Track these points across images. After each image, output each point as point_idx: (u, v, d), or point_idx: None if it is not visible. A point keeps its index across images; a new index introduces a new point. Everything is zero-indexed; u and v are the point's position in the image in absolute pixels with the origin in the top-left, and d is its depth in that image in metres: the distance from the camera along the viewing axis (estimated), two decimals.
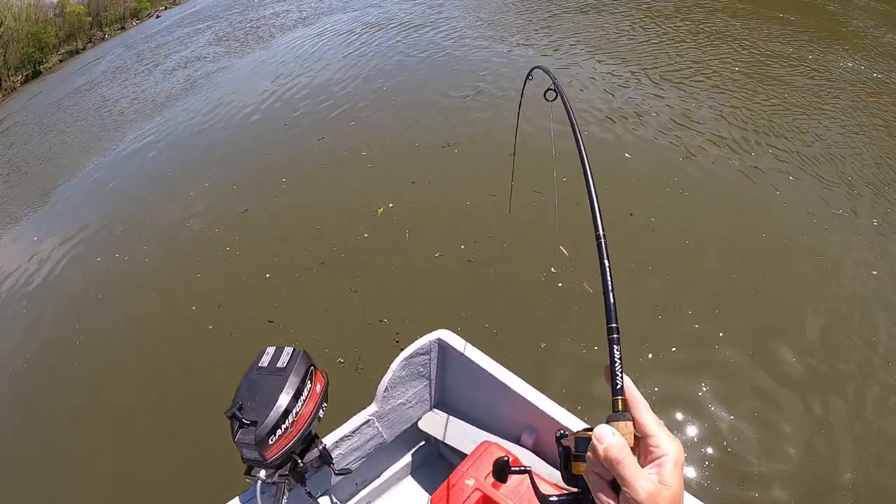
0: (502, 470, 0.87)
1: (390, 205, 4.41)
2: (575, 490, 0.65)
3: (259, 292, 3.92)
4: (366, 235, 4.17)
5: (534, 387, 1.67)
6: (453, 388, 1.93)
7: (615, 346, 0.58)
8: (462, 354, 1.74)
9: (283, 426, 1.39)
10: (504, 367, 1.71)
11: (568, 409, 1.61)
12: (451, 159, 4.86)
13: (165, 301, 4.21)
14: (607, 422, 0.55)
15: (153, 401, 3.44)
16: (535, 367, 2.92)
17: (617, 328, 0.60)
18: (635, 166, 4.27)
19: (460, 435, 1.85)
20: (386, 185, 4.71)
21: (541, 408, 1.60)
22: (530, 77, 1.40)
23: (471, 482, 1.50)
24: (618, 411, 0.56)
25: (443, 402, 1.98)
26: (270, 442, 1.37)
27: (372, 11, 11.23)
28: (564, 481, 0.66)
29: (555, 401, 1.63)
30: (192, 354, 3.66)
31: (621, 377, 0.57)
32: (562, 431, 0.63)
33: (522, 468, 0.83)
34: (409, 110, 6.03)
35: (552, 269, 3.45)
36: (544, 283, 3.39)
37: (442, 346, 1.81)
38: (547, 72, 1.18)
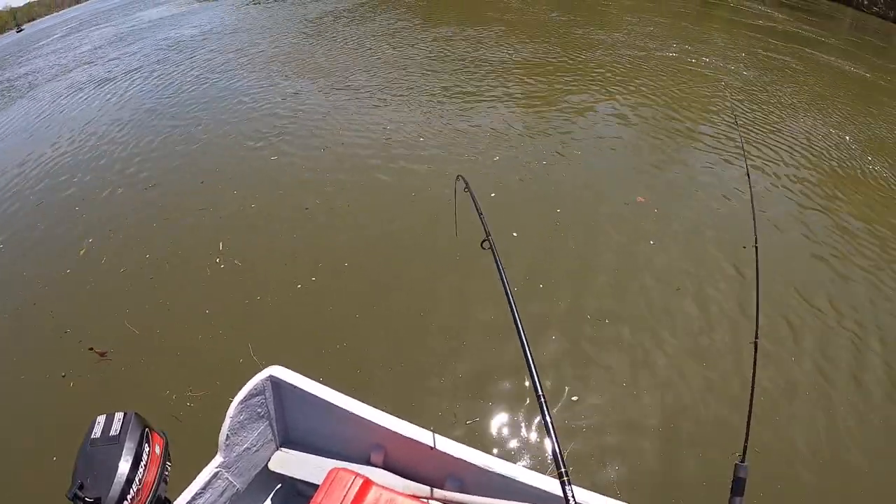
0: None
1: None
2: None
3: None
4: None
5: (375, 406, 1.80)
6: (296, 423, 2.04)
7: (567, 487, 0.63)
8: (296, 388, 1.85)
9: (129, 496, 1.41)
10: (340, 391, 1.85)
11: (403, 418, 1.79)
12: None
13: None
14: None
15: None
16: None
17: (567, 472, 0.66)
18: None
19: (312, 468, 1.93)
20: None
21: (382, 424, 1.75)
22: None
23: None
24: None
25: (289, 438, 2.08)
26: None
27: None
28: None
29: (393, 414, 1.80)
30: None
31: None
32: None
33: None
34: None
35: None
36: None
37: (275, 383, 1.89)
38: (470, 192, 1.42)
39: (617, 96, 6.98)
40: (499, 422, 3.00)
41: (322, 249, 4.37)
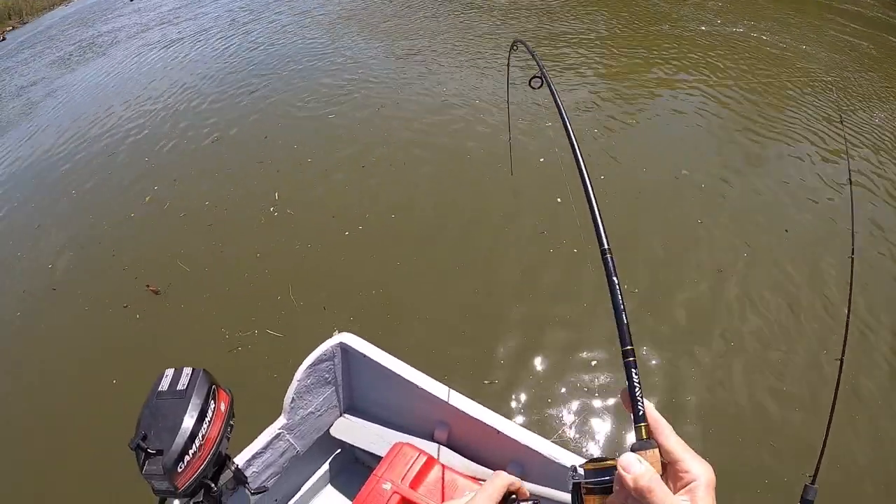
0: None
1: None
2: None
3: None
4: None
5: (441, 381, 1.74)
6: (362, 392, 1.98)
7: (633, 370, 0.55)
8: (366, 356, 1.79)
9: (191, 451, 1.36)
10: (409, 364, 1.78)
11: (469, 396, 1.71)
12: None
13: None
14: (632, 450, 0.52)
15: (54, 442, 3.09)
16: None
17: (632, 350, 0.57)
18: None
19: (374, 438, 1.89)
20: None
21: (449, 402, 1.68)
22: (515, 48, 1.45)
23: (388, 486, 1.52)
24: (642, 439, 0.53)
25: (353, 406, 2.02)
26: (179, 469, 1.34)
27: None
28: None
29: (461, 392, 1.72)
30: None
31: (642, 402, 0.54)
32: (574, 467, 0.58)
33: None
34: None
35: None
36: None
37: (345, 350, 1.84)
38: (529, 51, 1.14)
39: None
40: (516, 388, 2.95)
41: (372, 202, 4.42)
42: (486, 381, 2.99)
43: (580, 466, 0.58)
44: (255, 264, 3.95)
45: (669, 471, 0.53)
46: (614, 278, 0.60)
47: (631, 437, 0.54)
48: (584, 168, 0.70)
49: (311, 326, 3.40)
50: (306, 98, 6.40)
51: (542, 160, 4.62)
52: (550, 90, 0.94)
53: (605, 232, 0.63)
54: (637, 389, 0.54)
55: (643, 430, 0.54)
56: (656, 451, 0.52)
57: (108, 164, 5.83)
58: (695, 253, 3.69)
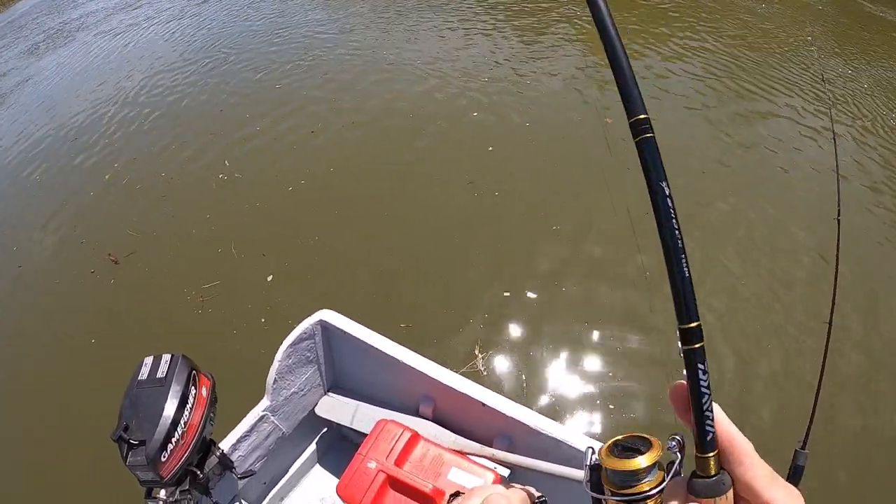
0: None
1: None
2: None
3: None
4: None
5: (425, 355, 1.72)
6: (345, 369, 1.95)
7: (700, 367, 0.38)
8: (346, 333, 1.75)
9: (174, 438, 1.33)
10: (390, 339, 1.75)
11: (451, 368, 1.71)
12: None
13: None
14: (695, 494, 0.38)
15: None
16: None
17: (700, 332, 0.39)
18: None
19: (360, 415, 1.87)
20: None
21: (433, 376, 1.66)
22: None
23: (373, 465, 1.51)
24: (708, 476, 0.38)
25: (337, 384, 1.99)
26: (163, 458, 1.31)
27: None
28: None
29: (442, 364, 1.71)
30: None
31: (712, 418, 0.38)
32: (592, 453, 0.45)
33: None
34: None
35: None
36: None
37: (325, 328, 1.80)
38: None
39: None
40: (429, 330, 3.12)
41: (314, 162, 4.68)
42: (402, 325, 3.15)
43: (596, 457, 0.44)
44: (204, 225, 4.21)
45: None
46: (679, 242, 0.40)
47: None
48: None
49: (250, 271, 3.69)
50: (258, 71, 6.55)
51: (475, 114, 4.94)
52: None
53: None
54: (706, 398, 0.38)
55: (711, 464, 0.38)
56: (730, 494, 0.38)
57: (72, 147, 5.84)
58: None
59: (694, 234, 3.56)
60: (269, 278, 3.61)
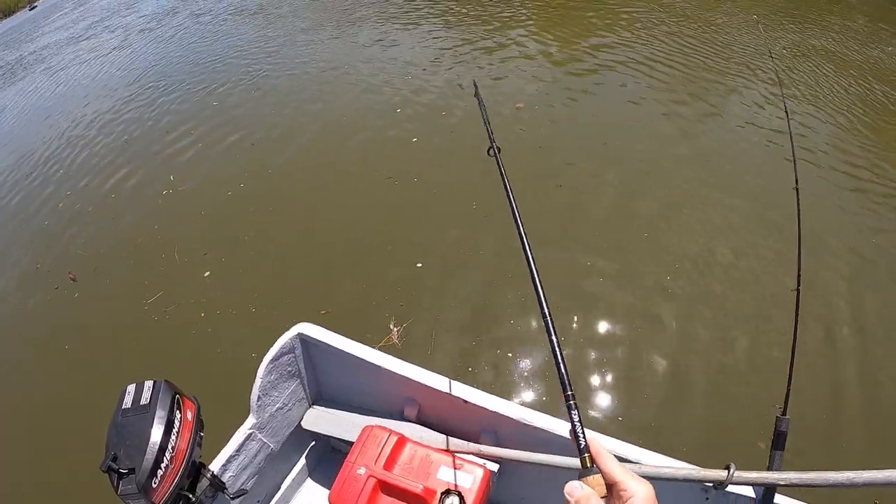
0: None
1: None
2: None
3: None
4: None
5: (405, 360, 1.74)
6: (327, 380, 1.96)
7: (573, 412, 0.66)
8: (326, 344, 1.77)
9: (163, 464, 1.33)
10: (370, 346, 1.77)
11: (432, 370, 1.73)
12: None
13: None
14: (579, 478, 0.62)
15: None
16: None
17: (573, 395, 0.68)
18: None
19: (346, 425, 1.87)
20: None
21: (415, 378, 1.68)
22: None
23: (362, 471, 1.52)
24: (586, 467, 0.63)
25: (321, 396, 2.00)
26: (154, 485, 1.31)
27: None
28: None
29: (422, 366, 1.73)
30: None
31: (584, 436, 0.64)
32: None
33: None
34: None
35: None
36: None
37: (304, 341, 1.80)
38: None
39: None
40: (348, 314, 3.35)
41: (257, 167, 5.10)
42: (322, 312, 3.36)
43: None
44: (151, 235, 4.55)
45: (613, 491, 0.61)
46: (554, 337, 0.75)
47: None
48: None
49: (192, 274, 3.99)
50: (195, 93, 7.11)
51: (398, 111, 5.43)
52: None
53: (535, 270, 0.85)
54: (578, 426, 0.65)
55: (587, 460, 0.63)
56: (598, 476, 0.62)
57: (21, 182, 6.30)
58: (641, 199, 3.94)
59: (659, 225, 3.67)
60: (206, 274, 3.97)
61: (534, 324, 3.12)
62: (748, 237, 3.50)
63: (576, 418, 0.65)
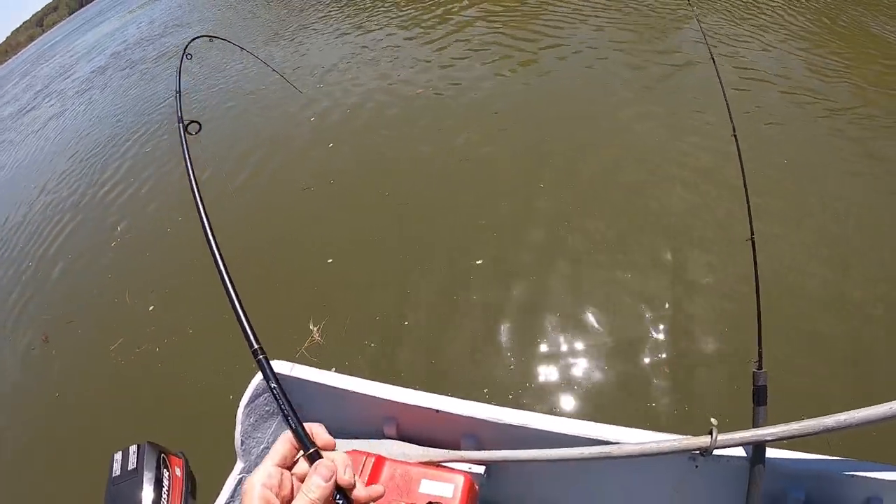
0: None
1: None
2: None
3: None
4: None
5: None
6: (305, 412, 1.97)
7: (273, 386, 0.76)
8: (298, 378, 1.81)
9: None
10: (343, 373, 1.82)
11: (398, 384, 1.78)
12: None
13: None
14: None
15: None
16: None
17: (261, 348, 0.79)
18: None
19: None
20: None
21: (387, 398, 1.72)
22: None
23: None
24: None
25: None
26: None
27: None
28: None
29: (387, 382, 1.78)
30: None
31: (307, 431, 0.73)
32: None
33: None
34: None
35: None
36: None
37: (277, 378, 1.82)
38: None
39: None
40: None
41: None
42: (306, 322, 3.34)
43: None
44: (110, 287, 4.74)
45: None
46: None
47: None
48: None
49: (139, 321, 4.11)
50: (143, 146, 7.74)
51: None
52: None
53: None
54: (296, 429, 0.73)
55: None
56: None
57: None
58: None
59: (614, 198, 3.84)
60: (151, 308, 4.18)
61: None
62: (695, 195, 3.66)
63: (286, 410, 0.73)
